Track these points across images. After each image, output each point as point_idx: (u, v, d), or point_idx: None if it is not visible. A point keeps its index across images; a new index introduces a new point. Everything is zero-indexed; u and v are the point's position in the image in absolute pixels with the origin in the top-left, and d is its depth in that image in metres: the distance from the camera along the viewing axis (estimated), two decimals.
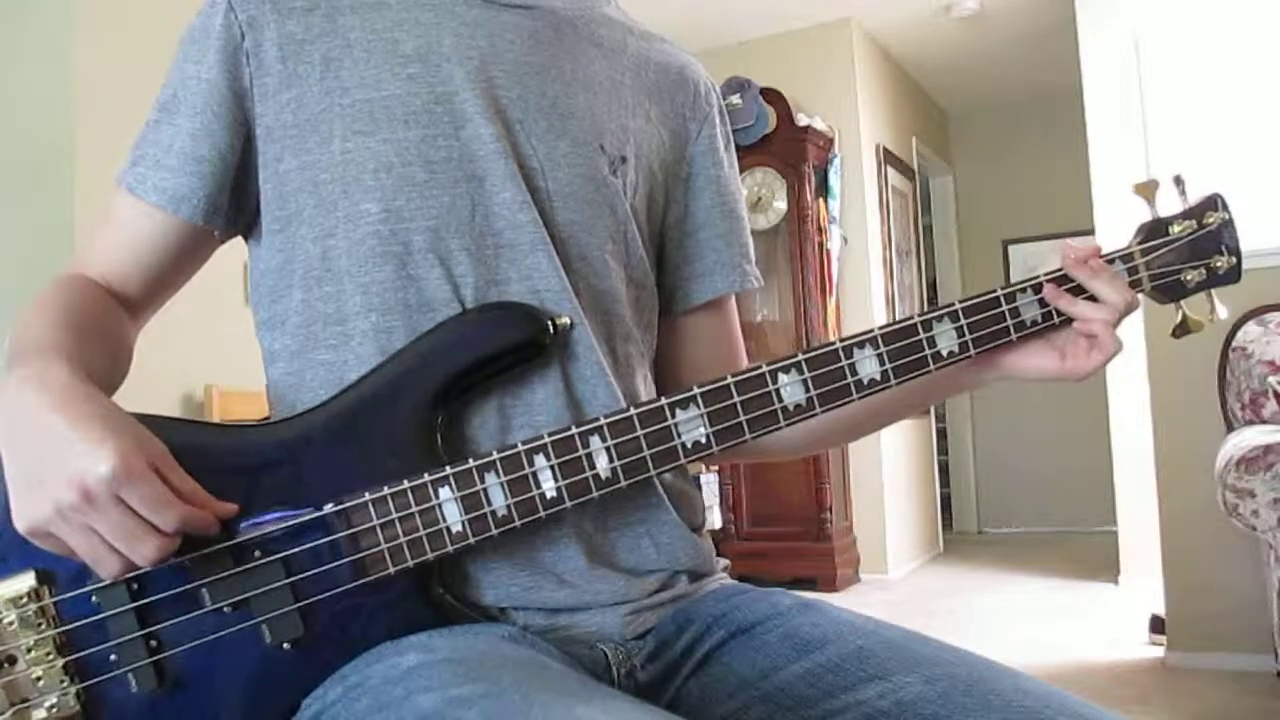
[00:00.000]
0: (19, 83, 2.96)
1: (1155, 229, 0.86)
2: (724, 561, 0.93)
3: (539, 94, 0.83)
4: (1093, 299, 0.83)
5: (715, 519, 4.60)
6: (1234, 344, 2.81)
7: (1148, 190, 0.87)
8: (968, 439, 6.41)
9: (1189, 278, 0.86)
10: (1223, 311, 0.88)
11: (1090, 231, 4.21)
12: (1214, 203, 0.87)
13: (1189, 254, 0.86)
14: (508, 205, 0.80)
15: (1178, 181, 0.87)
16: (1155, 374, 3.10)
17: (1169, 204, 0.87)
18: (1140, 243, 0.86)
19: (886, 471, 4.87)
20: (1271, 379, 2.70)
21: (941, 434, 6.23)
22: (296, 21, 0.80)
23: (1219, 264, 0.86)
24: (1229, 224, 0.86)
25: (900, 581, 4.79)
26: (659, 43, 0.96)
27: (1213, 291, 0.88)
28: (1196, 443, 2.86)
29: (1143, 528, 3.80)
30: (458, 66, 0.80)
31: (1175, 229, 0.86)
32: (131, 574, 0.68)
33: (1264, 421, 2.70)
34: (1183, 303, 0.87)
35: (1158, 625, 3.24)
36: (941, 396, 0.95)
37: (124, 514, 0.64)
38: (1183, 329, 0.88)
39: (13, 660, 0.68)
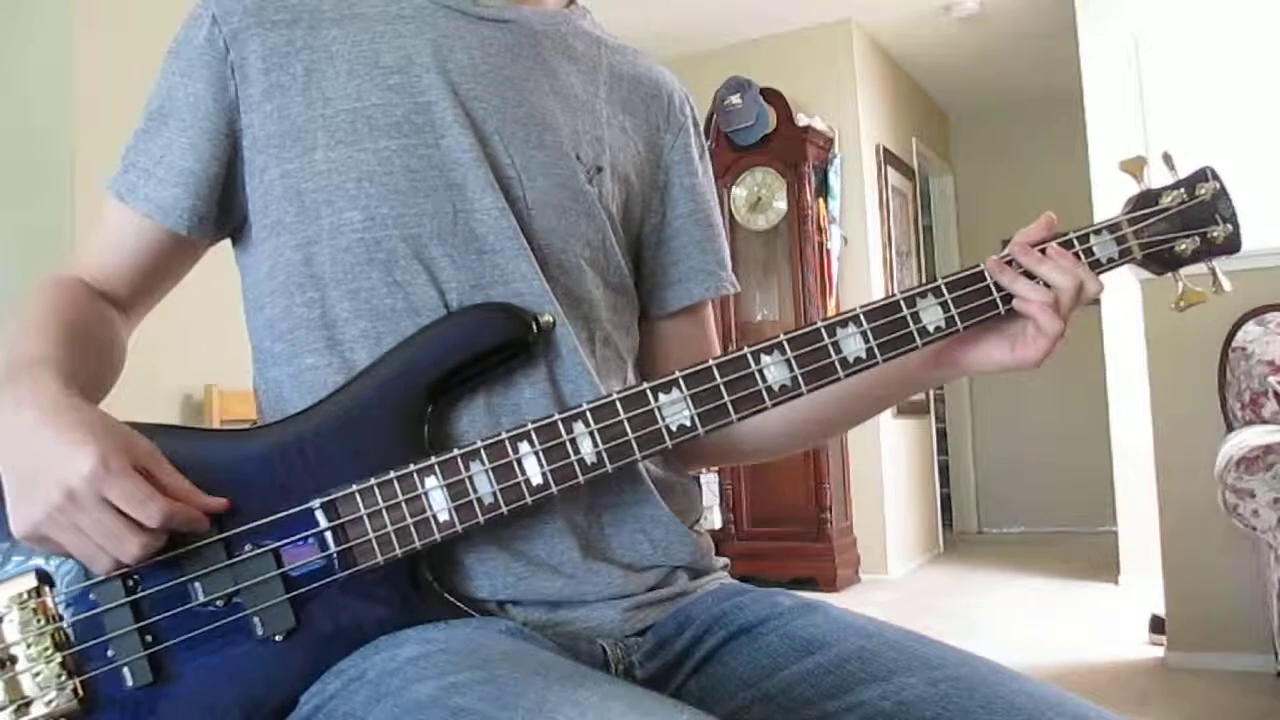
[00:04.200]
0: (19, 83, 2.96)
1: (1144, 200, 0.86)
2: (724, 561, 0.93)
3: (515, 105, 0.84)
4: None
5: (715, 519, 4.60)
6: (1234, 344, 2.81)
7: (1135, 166, 0.87)
8: (968, 439, 6.40)
9: (1183, 247, 0.86)
10: (1227, 284, 0.86)
11: None
12: (1204, 174, 0.87)
13: (1181, 224, 0.86)
14: (488, 212, 0.81)
15: (1166, 158, 0.87)
16: (1155, 374, 3.10)
17: (1161, 181, 0.87)
18: (1129, 213, 0.86)
19: (886, 471, 4.87)
20: (1271, 379, 2.70)
21: (941, 434, 6.22)
22: (279, 34, 0.81)
23: (1215, 233, 0.86)
24: (1222, 193, 0.86)
25: (900, 581, 4.79)
26: (634, 55, 0.99)
27: (1216, 264, 0.87)
28: (1196, 443, 2.86)
29: (1143, 528, 3.80)
30: (437, 77, 0.82)
31: (1165, 200, 0.86)
32: (124, 570, 0.70)
33: (1264, 421, 2.70)
34: (1182, 274, 0.87)
35: (1158, 625, 3.24)
36: (896, 398, 0.95)
37: (107, 512, 0.67)
38: (1183, 301, 0.87)
39: (13, 659, 0.70)
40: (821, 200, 4.77)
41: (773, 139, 4.68)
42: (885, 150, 5.23)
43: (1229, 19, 3.96)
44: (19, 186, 2.91)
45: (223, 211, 0.85)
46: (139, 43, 2.91)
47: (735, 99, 4.63)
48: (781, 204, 4.74)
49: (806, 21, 4.92)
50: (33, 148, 2.93)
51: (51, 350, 0.75)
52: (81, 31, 2.87)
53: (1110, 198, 4.15)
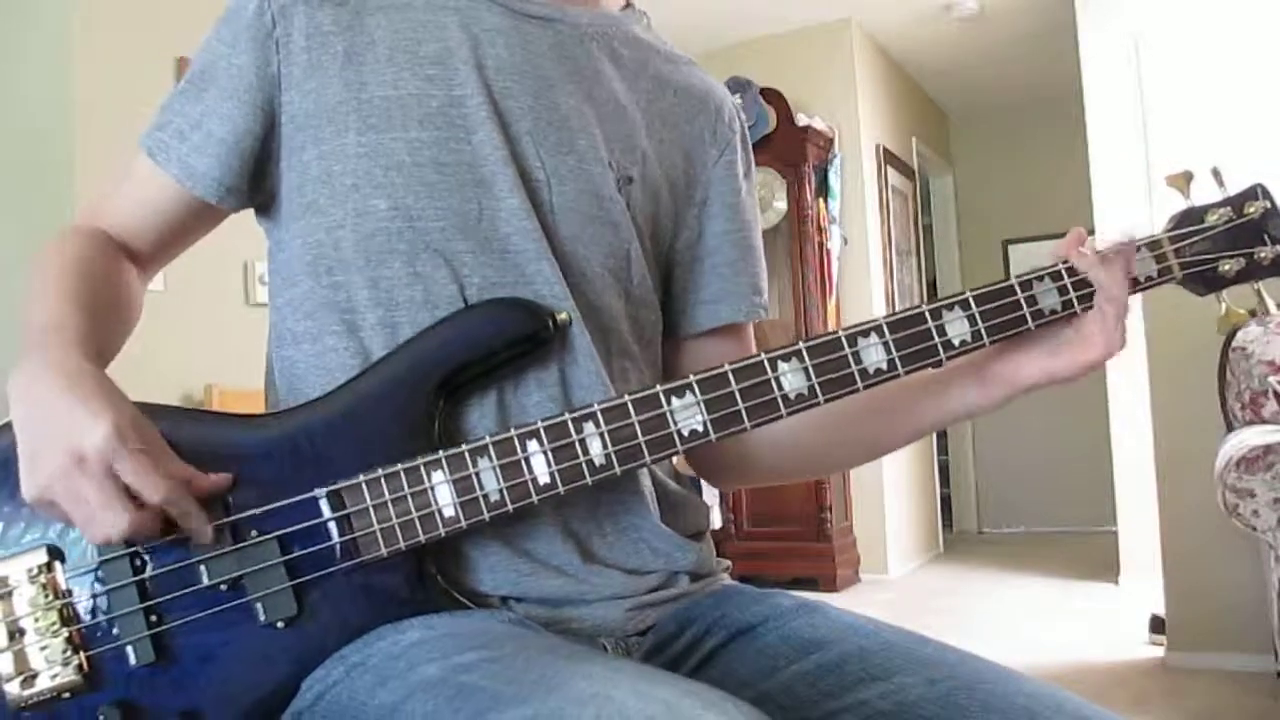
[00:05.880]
0: (19, 83, 2.96)
1: (1188, 217, 0.83)
2: (725, 562, 0.93)
3: (551, 107, 0.84)
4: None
5: (715, 519, 4.60)
6: (1234, 344, 2.81)
7: (1181, 181, 0.84)
8: (968, 439, 6.40)
9: (1227, 268, 0.82)
10: (1273, 306, 0.83)
11: (1090, 232, 4.20)
12: (1255, 192, 0.83)
13: (1226, 243, 0.82)
14: (514, 213, 0.80)
15: (1215, 173, 0.83)
16: (1155, 374, 3.10)
17: (1207, 196, 0.84)
18: (1170, 230, 0.83)
19: (886, 471, 4.86)
20: (1271, 379, 2.70)
21: (941, 434, 6.23)
22: (326, 13, 0.82)
23: (1263, 255, 0.82)
24: (1272, 212, 0.82)
25: (900, 581, 4.79)
26: (686, 65, 0.97)
27: (1260, 285, 0.83)
28: (1196, 443, 2.86)
29: (1143, 528, 3.80)
30: (475, 72, 0.81)
31: (1210, 218, 0.82)
32: (117, 544, 0.70)
33: (1264, 421, 2.70)
34: (1224, 295, 0.84)
35: (1158, 625, 3.24)
36: (945, 423, 0.90)
37: (111, 482, 0.67)
38: (1227, 323, 0.84)
39: (22, 632, 0.71)
40: (821, 200, 4.77)
41: (773, 139, 4.68)
42: (885, 150, 5.23)
43: (1229, 19, 3.96)
44: (19, 186, 2.91)
45: (252, 184, 0.85)
46: (139, 43, 2.92)
47: (735, 99, 4.62)
48: (782, 204, 4.74)
49: (806, 21, 4.92)
50: (33, 148, 2.93)
51: (73, 317, 0.76)
52: (81, 32, 2.87)
53: (1111, 198, 4.15)
